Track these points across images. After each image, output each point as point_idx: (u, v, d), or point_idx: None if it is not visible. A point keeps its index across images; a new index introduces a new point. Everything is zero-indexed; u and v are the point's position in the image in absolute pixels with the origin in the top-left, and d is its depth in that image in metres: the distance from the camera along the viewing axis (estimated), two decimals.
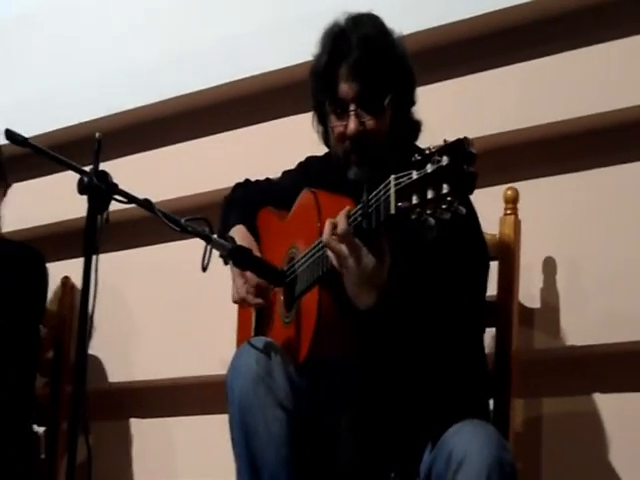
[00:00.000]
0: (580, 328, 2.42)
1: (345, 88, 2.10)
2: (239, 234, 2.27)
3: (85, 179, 1.94)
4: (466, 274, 2.05)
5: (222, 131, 3.14)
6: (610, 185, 2.44)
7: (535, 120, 2.52)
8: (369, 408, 2.04)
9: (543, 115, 2.51)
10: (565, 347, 2.44)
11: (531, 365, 2.41)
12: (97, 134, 1.95)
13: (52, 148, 2.07)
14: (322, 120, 2.22)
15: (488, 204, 2.25)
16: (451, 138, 1.66)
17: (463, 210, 1.66)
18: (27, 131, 2.05)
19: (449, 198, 1.64)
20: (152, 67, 3.21)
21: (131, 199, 2.02)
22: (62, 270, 3.21)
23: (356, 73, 2.08)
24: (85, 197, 1.94)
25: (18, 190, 3.21)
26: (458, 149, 1.64)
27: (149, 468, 3.21)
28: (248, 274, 2.16)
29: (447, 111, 2.60)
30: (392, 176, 1.74)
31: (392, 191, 1.74)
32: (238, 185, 2.53)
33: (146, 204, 2.04)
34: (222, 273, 2.26)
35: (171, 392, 3.17)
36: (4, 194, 2.99)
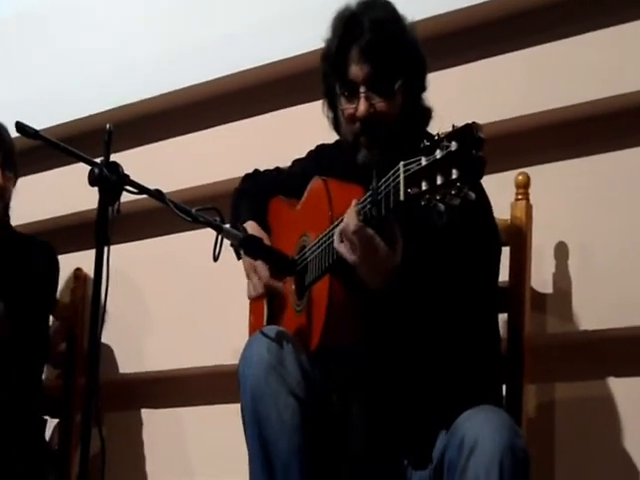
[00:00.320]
0: (593, 312, 2.41)
1: (356, 70, 2.09)
2: (250, 229, 2.27)
3: (96, 170, 1.94)
4: (478, 259, 2.04)
5: (232, 121, 3.14)
6: (622, 169, 2.43)
7: (546, 105, 2.51)
8: (381, 395, 2.05)
9: (554, 99, 2.50)
10: (578, 332, 2.43)
11: (544, 350, 2.41)
12: (108, 125, 1.96)
13: (62, 141, 2.08)
14: (332, 106, 2.21)
15: (499, 189, 2.25)
16: (460, 124, 1.66)
17: (472, 195, 1.65)
18: (37, 125, 2.06)
19: (458, 184, 1.64)
20: (163, 58, 3.21)
21: (142, 190, 2.02)
22: (74, 262, 3.22)
23: (367, 55, 2.08)
24: (96, 189, 1.95)
25: (30, 183, 3.23)
26: (466, 134, 1.64)
27: (161, 458, 3.22)
28: (260, 265, 2.17)
29: (457, 97, 2.59)
30: (401, 162, 1.74)
31: (401, 177, 1.74)
32: (247, 176, 2.53)
33: (157, 194, 2.05)
34: (233, 263, 2.27)
35: (183, 382, 3.17)
36: (13, 185, 3.00)
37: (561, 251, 2.46)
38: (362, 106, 2.08)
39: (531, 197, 2.39)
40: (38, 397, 2.97)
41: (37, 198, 3.38)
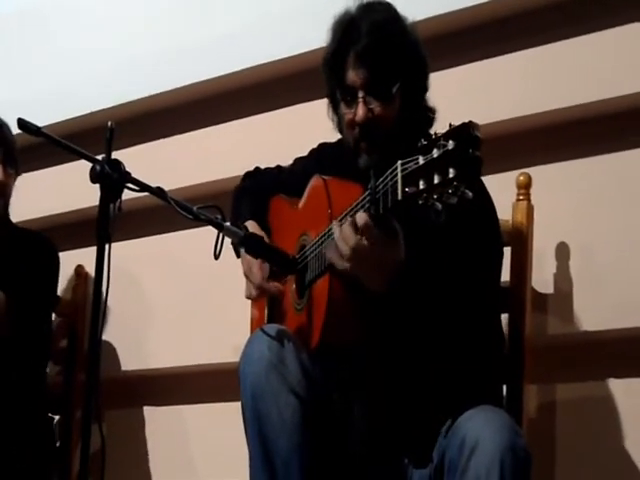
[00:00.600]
0: (594, 313, 2.41)
1: (353, 75, 2.09)
2: (250, 228, 2.26)
3: (97, 168, 1.94)
4: (479, 258, 2.04)
5: (234, 119, 3.14)
6: (623, 170, 2.43)
7: (548, 105, 2.51)
8: (382, 394, 2.05)
9: (556, 100, 2.50)
10: (579, 332, 2.43)
11: (544, 351, 2.41)
12: (109, 122, 1.96)
13: (63, 138, 2.08)
14: (335, 109, 2.22)
15: (501, 190, 2.25)
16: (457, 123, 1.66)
17: (470, 194, 1.65)
18: (38, 122, 2.06)
19: (455, 182, 1.64)
20: (164, 56, 3.21)
21: (143, 187, 2.02)
22: (76, 259, 3.22)
23: (363, 60, 2.08)
24: (97, 186, 1.95)
25: (31, 180, 3.22)
26: (463, 133, 1.64)
27: (163, 456, 3.22)
28: (259, 264, 2.17)
29: (457, 97, 2.59)
30: (399, 162, 1.74)
31: (399, 177, 1.73)
32: (248, 174, 2.53)
33: (159, 192, 2.05)
34: (234, 261, 2.27)
35: (184, 380, 3.18)
36: (14, 181, 3.00)
37: (562, 252, 2.46)
38: (360, 111, 2.08)
39: (532, 198, 2.39)
40: (42, 395, 2.97)
41: (39, 195, 3.39)
